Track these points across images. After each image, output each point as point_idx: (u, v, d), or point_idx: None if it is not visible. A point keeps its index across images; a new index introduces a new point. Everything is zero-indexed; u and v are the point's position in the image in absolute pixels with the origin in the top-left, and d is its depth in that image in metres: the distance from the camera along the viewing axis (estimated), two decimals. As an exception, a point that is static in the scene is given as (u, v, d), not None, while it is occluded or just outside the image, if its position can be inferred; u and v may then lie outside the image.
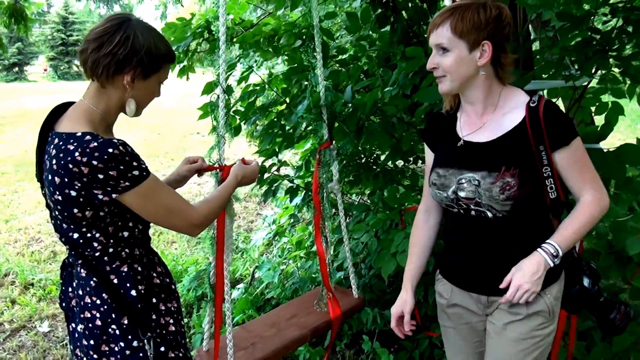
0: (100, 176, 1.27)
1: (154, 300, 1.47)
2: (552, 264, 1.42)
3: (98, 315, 1.41)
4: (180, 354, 1.52)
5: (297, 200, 3.26)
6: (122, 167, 1.29)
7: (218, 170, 1.72)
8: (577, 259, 1.63)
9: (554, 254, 1.42)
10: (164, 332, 1.47)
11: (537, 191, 1.45)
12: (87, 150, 1.26)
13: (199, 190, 6.80)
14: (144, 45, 1.37)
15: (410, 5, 2.92)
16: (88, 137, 1.29)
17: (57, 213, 1.39)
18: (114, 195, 1.31)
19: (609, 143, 2.36)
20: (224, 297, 1.78)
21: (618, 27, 2.30)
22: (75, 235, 1.38)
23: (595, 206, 1.45)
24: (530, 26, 2.88)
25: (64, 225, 1.39)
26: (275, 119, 2.88)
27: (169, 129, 12.23)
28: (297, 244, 3.88)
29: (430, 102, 2.18)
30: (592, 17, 2.28)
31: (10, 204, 6.19)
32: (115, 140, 1.30)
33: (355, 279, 2.30)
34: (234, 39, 3.10)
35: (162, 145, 10.36)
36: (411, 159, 3.03)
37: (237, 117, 2.83)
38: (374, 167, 2.88)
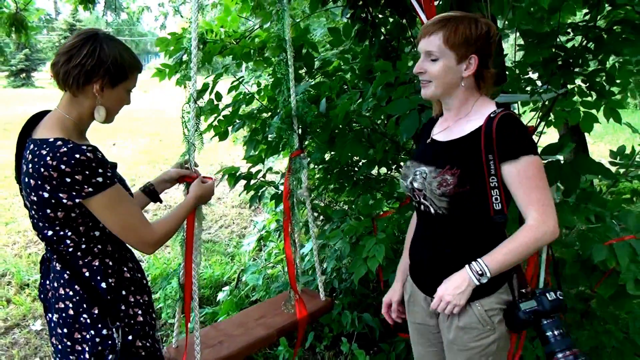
0: (68, 179, 1.38)
1: (124, 292, 1.57)
2: (477, 283, 1.46)
3: (71, 305, 1.52)
4: (148, 344, 1.62)
5: (282, 206, 3.37)
6: (87, 172, 1.39)
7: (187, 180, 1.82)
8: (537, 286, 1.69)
9: (480, 272, 1.45)
10: (132, 322, 1.58)
11: (479, 197, 1.49)
12: (57, 154, 1.37)
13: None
14: (110, 56, 1.48)
15: (390, 20, 3.04)
16: (59, 143, 1.40)
17: (33, 212, 1.50)
18: (77, 200, 1.41)
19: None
20: (192, 297, 1.88)
21: (581, 45, 2.41)
22: (50, 233, 1.49)
23: (533, 232, 1.44)
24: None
25: (39, 223, 1.51)
26: (259, 127, 2.99)
27: (169, 136, 12.37)
28: (283, 249, 3.98)
29: (399, 114, 2.29)
30: (557, 35, 2.39)
31: (10, 207, 6.32)
32: (84, 147, 1.41)
33: (322, 282, 2.40)
34: (223, 51, 3.23)
35: (162, 152, 10.49)
36: (392, 167, 3.14)
37: (219, 124, 2.94)
38: (353, 175, 2.99)
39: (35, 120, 1.56)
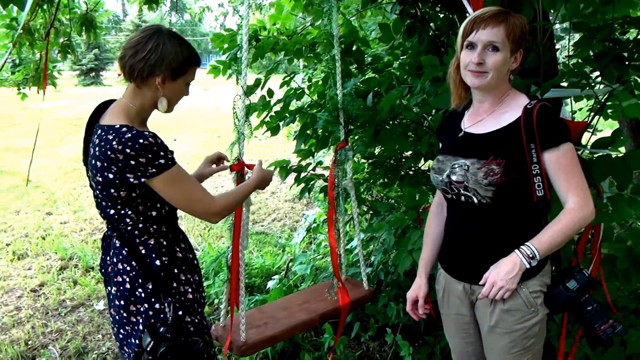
0: (132, 162, 1.52)
1: (176, 270, 1.70)
2: (527, 266, 1.50)
3: (128, 279, 1.65)
4: (196, 320, 1.74)
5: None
6: (150, 156, 1.53)
7: (236, 168, 1.93)
8: (570, 265, 1.72)
9: (530, 255, 1.49)
10: (182, 298, 1.70)
11: (523, 185, 1.55)
12: (123, 139, 1.52)
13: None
14: (172, 52, 1.61)
15: (440, 16, 3.05)
16: (124, 129, 1.55)
17: (98, 192, 1.66)
18: (142, 180, 1.55)
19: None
20: (239, 278, 1.98)
21: (636, 38, 2.34)
22: (112, 212, 1.64)
23: (576, 214, 1.50)
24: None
25: (103, 203, 1.66)
26: (309, 121, 3.08)
27: (227, 132, 12.70)
28: (330, 240, 4.06)
29: (445, 107, 2.31)
30: (611, 28, 2.34)
31: (79, 197, 6.73)
32: (147, 133, 1.55)
33: (365, 272, 2.45)
34: (275, 47, 3.34)
35: (220, 147, 10.76)
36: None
37: (271, 119, 3.05)
38: (400, 169, 3.02)
39: (102, 108, 1.71)
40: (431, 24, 2.92)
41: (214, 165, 2.15)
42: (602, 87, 2.45)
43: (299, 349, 3.10)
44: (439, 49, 2.93)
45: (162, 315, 1.65)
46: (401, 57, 3.17)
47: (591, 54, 2.40)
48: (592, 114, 2.65)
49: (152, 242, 1.68)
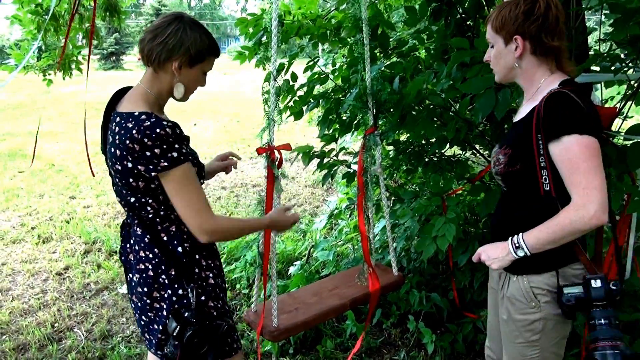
0: (148, 153, 1.49)
1: (197, 256, 1.70)
2: (514, 255, 1.53)
3: (150, 267, 1.66)
4: (219, 305, 1.75)
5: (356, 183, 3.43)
6: (164, 147, 1.49)
7: (261, 151, 1.91)
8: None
9: (517, 245, 1.52)
10: (204, 284, 1.71)
11: (530, 177, 1.52)
12: (142, 127, 1.49)
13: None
14: (191, 38, 1.60)
15: (467, -2, 2.99)
16: (144, 117, 1.52)
17: (117, 180, 1.63)
18: (153, 174, 1.51)
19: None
20: (271, 264, 1.99)
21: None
22: (132, 200, 1.62)
23: (570, 214, 1.41)
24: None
25: (123, 191, 1.64)
26: (332, 106, 3.05)
27: (247, 116, 12.73)
28: (354, 227, 4.05)
29: (474, 93, 2.27)
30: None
31: (101, 181, 6.80)
32: (166, 122, 1.51)
33: (394, 257, 2.44)
34: (300, 31, 3.31)
35: (240, 132, 10.84)
36: (466, 147, 3.11)
37: (294, 104, 3.04)
38: (425, 156, 2.99)
39: (120, 95, 1.70)
40: (458, 7, 2.86)
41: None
42: (634, 72, 2.40)
43: (321, 335, 3.11)
44: (465, 32, 2.87)
45: (185, 301, 1.66)
46: (427, 42, 3.12)
47: (628, 36, 2.33)
48: (624, 99, 2.59)
49: (174, 229, 1.67)
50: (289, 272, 3.81)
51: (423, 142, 3.13)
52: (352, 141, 4.59)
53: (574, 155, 1.40)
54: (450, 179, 2.66)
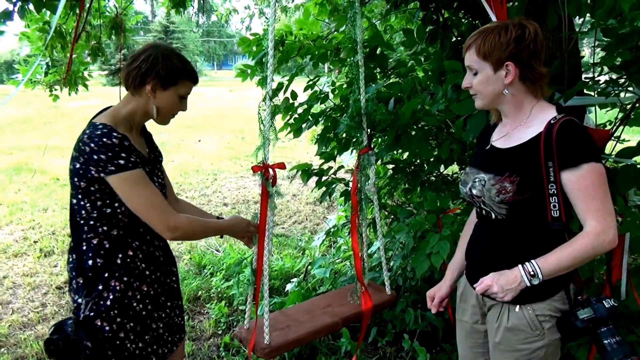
0: (95, 157, 1.63)
1: (106, 274, 1.73)
2: (528, 283, 1.47)
3: (68, 268, 1.81)
4: (113, 327, 1.72)
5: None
6: (110, 154, 1.63)
7: (257, 169, 1.95)
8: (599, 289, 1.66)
9: (532, 273, 1.47)
10: (101, 302, 1.71)
11: (538, 204, 1.50)
12: (93, 134, 1.65)
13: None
14: (162, 62, 1.74)
15: (464, 21, 3.05)
16: (100, 126, 1.68)
17: (69, 179, 1.75)
18: (101, 174, 1.64)
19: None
20: (263, 282, 2.01)
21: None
22: (74, 201, 1.75)
23: (590, 239, 1.43)
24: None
25: (72, 191, 1.75)
26: (330, 125, 3.10)
27: (251, 132, 12.82)
28: (351, 244, 4.08)
29: (466, 114, 2.31)
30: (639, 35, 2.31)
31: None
32: (116, 134, 1.67)
33: (387, 276, 2.46)
34: (301, 51, 3.38)
35: (244, 148, 10.91)
36: (462, 167, 3.15)
37: (294, 121, 3.09)
38: (420, 175, 3.03)
39: (104, 111, 1.84)
40: (454, 30, 2.92)
41: None
42: (628, 95, 2.43)
43: (316, 352, 3.12)
44: (461, 54, 2.93)
45: (80, 311, 1.71)
46: (424, 63, 3.18)
47: (617, 61, 2.37)
48: (617, 123, 2.62)
49: (95, 242, 1.73)
50: (286, 289, 3.82)
51: (418, 161, 3.17)
52: (352, 158, 4.65)
53: (591, 183, 1.43)
54: (446, 197, 2.69)
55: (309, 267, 4.03)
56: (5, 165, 8.84)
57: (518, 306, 1.57)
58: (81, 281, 1.74)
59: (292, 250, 4.96)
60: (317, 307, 2.32)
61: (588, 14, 2.52)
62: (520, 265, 1.49)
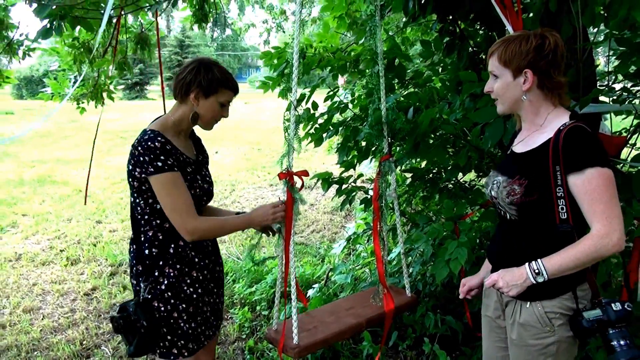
0: (141, 159, 1.85)
1: (161, 262, 1.96)
2: (533, 281, 1.55)
3: (130, 257, 2.04)
4: (168, 307, 1.97)
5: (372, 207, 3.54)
6: (151, 156, 1.84)
7: (282, 176, 2.05)
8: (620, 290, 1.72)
9: (536, 271, 1.54)
10: (157, 286, 1.96)
11: (546, 206, 1.58)
12: (141, 139, 1.88)
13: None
14: (203, 73, 1.94)
15: (480, 32, 3.14)
16: (149, 132, 1.90)
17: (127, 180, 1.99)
18: (143, 175, 1.86)
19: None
20: (290, 284, 2.10)
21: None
22: (131, 199, 1.99)
23: (594, 241, 1.48)
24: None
25: (130, 190, 1.96)
26: (351, 134, 3.19)
27: (267, 144, 12.98)
28: (371, 252, 4.15)
29: (484, 121, 2.39)
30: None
31: (126, 206, 7.01)
32: (160, 138, 1.88)
33: (408, 279, 2.53)
34: (321, 63, 3.49)
35: (260, 159, 11.05)
36: (480, 174, 3.21)
37: (315, 131, 3.18)
38: (439, 182, 3.10)
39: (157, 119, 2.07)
40: (470, 41, 3.01)
41: None
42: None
43: (338, 356, 3.19)
44: (477, 65, 3.01)
45: (141, 293, 1.97)
46: (441, 73, 3.26)
47: (631, 70, 2.43)
48: (633, 129, 2.68)
49: (150, 234, 1.95)
50: (307, 295, 3.90)
51: (436, 169, 3.25)
52: (372, 167, 4.72)
53: (596, 187, 1.49)
54: (463, 204, 2.76)
55: (330, 273, 4.11)
56: (28, 177, 9.07)
57: (529, 302, 1.65)
58: (140, 268, 1.97)
59: (311, 258, 5.05)
60: (341, 309, 2.39)
61: (602, 24, 2.58)
62: (527, 264, 1.58)
